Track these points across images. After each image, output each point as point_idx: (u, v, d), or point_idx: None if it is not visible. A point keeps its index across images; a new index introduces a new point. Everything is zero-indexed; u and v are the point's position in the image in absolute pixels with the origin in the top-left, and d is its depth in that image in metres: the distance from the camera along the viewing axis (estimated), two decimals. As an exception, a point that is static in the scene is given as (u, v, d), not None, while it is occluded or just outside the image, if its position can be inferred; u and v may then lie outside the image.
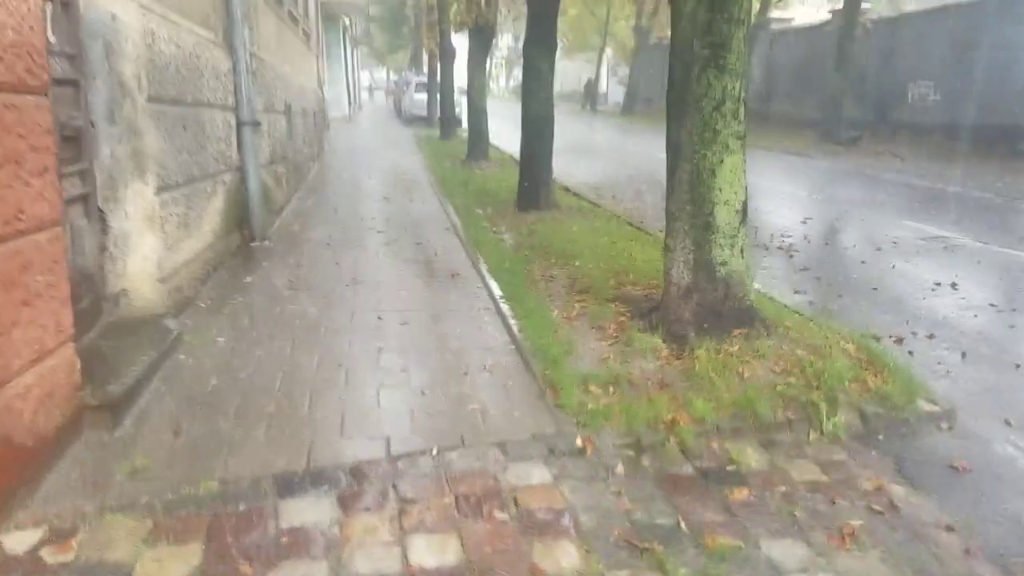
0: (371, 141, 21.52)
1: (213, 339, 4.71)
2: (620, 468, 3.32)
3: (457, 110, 23.20)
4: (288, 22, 11.87)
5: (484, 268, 6.45)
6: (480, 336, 4.85)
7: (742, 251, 4.65)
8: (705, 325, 4.58)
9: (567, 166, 9.50)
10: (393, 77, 53.59)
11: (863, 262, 7.64)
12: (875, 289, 6.65)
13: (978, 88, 16.74)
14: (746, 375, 4.12)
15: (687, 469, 3.36)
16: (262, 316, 5.21)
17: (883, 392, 3.96)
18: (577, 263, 6.72)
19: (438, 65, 22.75)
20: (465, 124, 18.76)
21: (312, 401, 3.85)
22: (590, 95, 41.92)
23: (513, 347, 4.64)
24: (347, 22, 31.42)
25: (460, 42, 18.78)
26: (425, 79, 26.80)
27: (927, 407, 3.94)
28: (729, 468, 3.38)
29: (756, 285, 5.25)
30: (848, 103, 20.23)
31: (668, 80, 4.73)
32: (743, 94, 4.53)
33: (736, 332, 4.52)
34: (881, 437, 3.72)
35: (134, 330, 4.35)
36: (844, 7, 18.76)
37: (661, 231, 5.48)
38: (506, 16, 14.82)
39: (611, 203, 10.85)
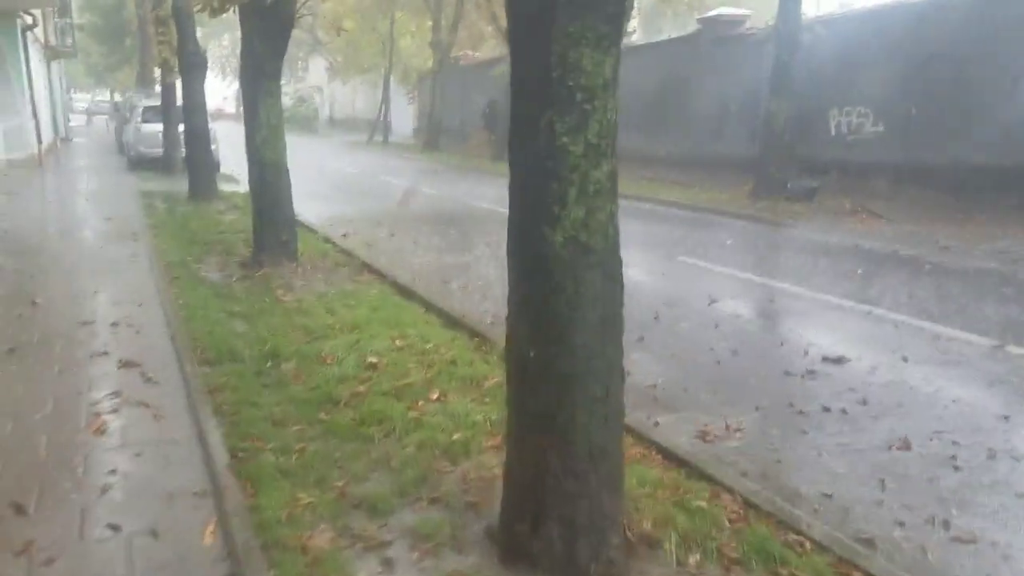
0: (59, 213, 12.51)
1: None
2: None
3: (214, 146, 14.69)
4: None
5: None
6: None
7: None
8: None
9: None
10: (118, 98, 40.10)
11: None
12: None
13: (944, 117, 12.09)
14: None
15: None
16: None
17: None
18: None
19: (178, 82, 14.28)
20: (226, 167, 10.67)
21: None
22: (382, 124, 34.94)
23: None
24: (29, 21, 21.19)
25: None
26: (159, 103, 17.22)
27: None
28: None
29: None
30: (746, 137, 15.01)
31: None
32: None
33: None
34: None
35: None
36: (781, 5, 13.46)
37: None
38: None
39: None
